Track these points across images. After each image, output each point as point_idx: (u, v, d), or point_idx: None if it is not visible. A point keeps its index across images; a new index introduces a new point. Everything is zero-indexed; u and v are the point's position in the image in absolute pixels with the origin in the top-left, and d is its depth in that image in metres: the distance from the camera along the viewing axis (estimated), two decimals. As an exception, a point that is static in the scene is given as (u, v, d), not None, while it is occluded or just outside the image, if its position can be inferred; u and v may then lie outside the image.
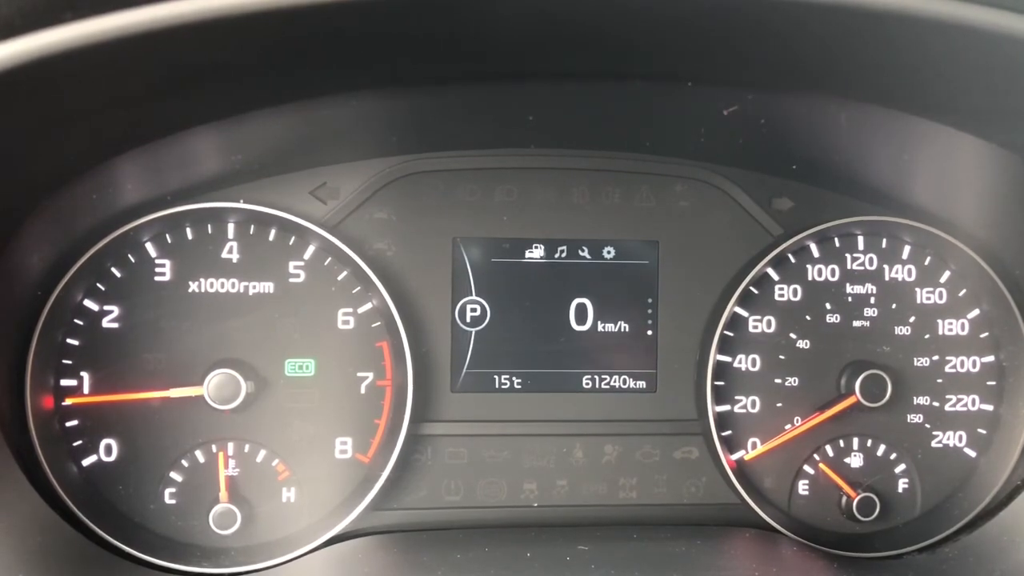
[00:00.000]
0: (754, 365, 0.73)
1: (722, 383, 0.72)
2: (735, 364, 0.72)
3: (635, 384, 0.73)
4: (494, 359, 0.72)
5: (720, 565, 0.65)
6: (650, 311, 0.73)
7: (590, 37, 0.55)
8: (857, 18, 0.44)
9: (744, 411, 0.73)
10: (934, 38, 0.47)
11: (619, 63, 0.58)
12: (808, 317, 0.73)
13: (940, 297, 0.74)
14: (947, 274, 0.74)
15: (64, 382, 0.66)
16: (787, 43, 0.53)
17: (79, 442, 0.66)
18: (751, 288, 0.72)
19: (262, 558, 0.66)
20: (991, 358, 0.74)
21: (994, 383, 0.74)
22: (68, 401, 0.66)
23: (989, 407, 0.74)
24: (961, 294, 0.74)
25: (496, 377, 0.72)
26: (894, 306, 0.74)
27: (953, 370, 0.74)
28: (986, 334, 0.74)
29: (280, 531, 0.67)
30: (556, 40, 0.54)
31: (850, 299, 0.73)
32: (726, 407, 0.72)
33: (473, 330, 0.72)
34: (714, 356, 0.72)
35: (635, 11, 0.50)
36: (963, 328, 0.74)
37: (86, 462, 0.66)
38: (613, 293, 0.73)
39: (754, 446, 0.73)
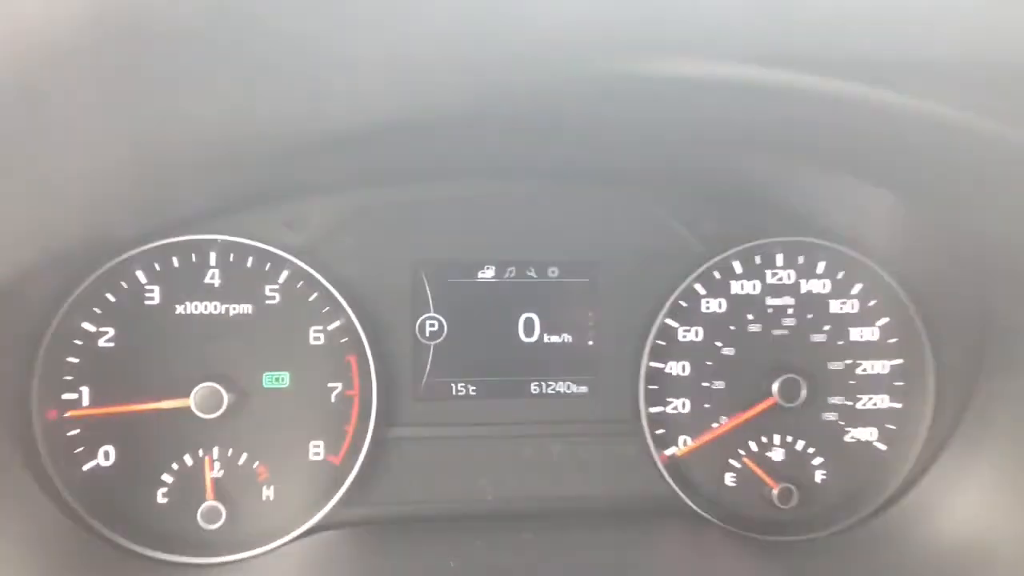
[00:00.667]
0: (684, 371, 0.80)
1: (655, 387, 0.79)
2: (666, 370, 0.80)
3: (577, 389, 0.80)
4: (451, 369, 0.79)
5: (652, 549, 0.73)
6: (590, 324, 0.80)
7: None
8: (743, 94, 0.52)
9: (676, 412, 0.80)
10: (803, 110, 0.54)
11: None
12: (732, 327, 0.80)
13: (852, 307, 0.81)
14: (858, 287, 0.81)
15: (65, 396, 0.73)
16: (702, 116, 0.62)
17: (80, 449, 0.73)
18: (680, 302, 0.79)
19: (245, 548, 0.73)
20: (898, 361, 0.81)
21: (901, 383, 0.81)
22: (69, 413, 0.73)
23: (897, 405, 0.81)
24: (870, 304, 0.81)
25: (453, 385, 0.79)
26: (810, 316, 0.81)
27: (864, 372, 0.81)
28: (893, 340, 0.81)
29: (260, 525, 0.74)
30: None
31: (770, 310, 0.80)
32: (659, 408, 0.79)
33: (432, 344, 0.79)
34: (646, 363, 0.79)
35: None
36: (873, 335, 0.81)
37: (87, 467, 0.73)
38: (557, 308, 0.80)
39: (685, 443, 0.80)
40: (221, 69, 0.37)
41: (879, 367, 0.83)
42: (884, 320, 0.82)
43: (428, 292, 0.79)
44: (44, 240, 0.41)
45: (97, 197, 0.42)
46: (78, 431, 0.75)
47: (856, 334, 0.82)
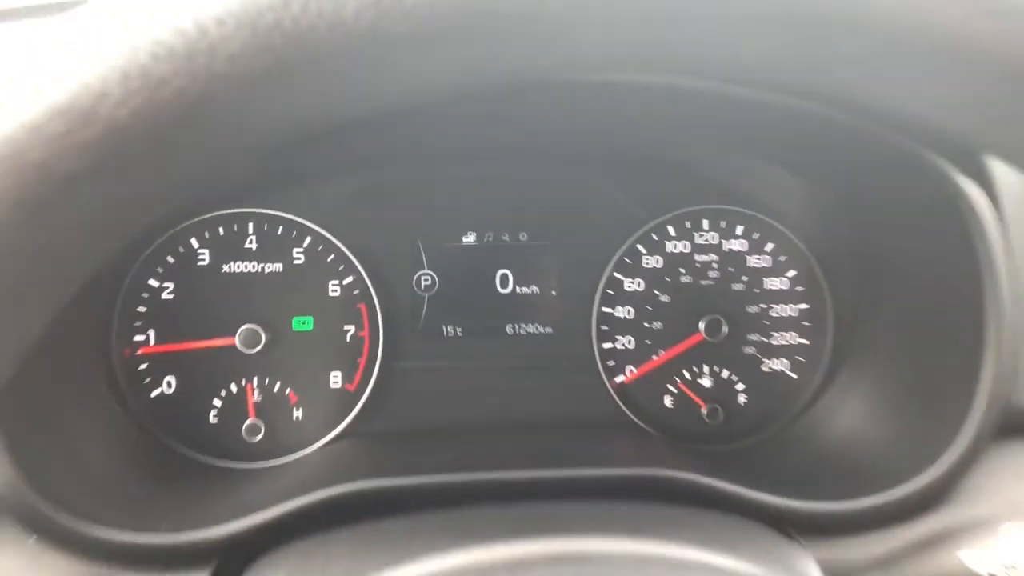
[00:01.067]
0: (629, 314, 0.95)
1: (606, 327, 0.95)
2: (615, 314, 0.96)
3: (543, 330, 0.96)
4: (442, 315, 0.95)
5: (603, 452, 0.90)
6: (553, 277, 0.96)
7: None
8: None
9: (622, 347, 0.96)
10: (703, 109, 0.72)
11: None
12: (667, 279, 0.95)
13: (766, 262, 0.96)
14: (770, 246, 0.96)
15: (136, 337, 0.88)
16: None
17: (148, 380, 0.88)
18: (625, 259, 0.95)
19: (279, 456, 0.91)
20: (804, 305, 0.96)
21: (806, 323, 0.96)
22: (140, 351, 0.89)
23: (804, 341, 0.96)
24: (781, 259, 0.96)
25: (444, 328, 0.95)
26: (731, 269, 0.96)
27: (776, 315, 0.96)
28: (799, 288, 0.96)
29: (292, 438, 0.90)
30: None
31: (698, 265, 0.96)
32: (609, 344, 0.95)
33: (426, 295, 0.95)
34: (598, 308, 0.95)
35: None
36: (783, 284, 0.96)
37: (153, 394, 0.88)
38: (527, 265, 0.96)
39: (630, 372, 0.95)
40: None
41: (788, 310, 0.97)
42: (792, 272, 0.97)
43: (423, 254, 0.95)
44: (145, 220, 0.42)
45: (187, 180, 0.43)
46: (146, 365, 0.89)
47: (769, 283, 0.97)
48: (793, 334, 0.98)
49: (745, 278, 0.97)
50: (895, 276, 0.87)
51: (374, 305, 0.93)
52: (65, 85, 0.35)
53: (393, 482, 0.72)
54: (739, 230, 0.98)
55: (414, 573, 0.53)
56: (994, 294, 0.73)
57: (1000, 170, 0.72)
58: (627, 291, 0.97)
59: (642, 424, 0.95)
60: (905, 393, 0.84)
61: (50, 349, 0.76)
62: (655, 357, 0.97)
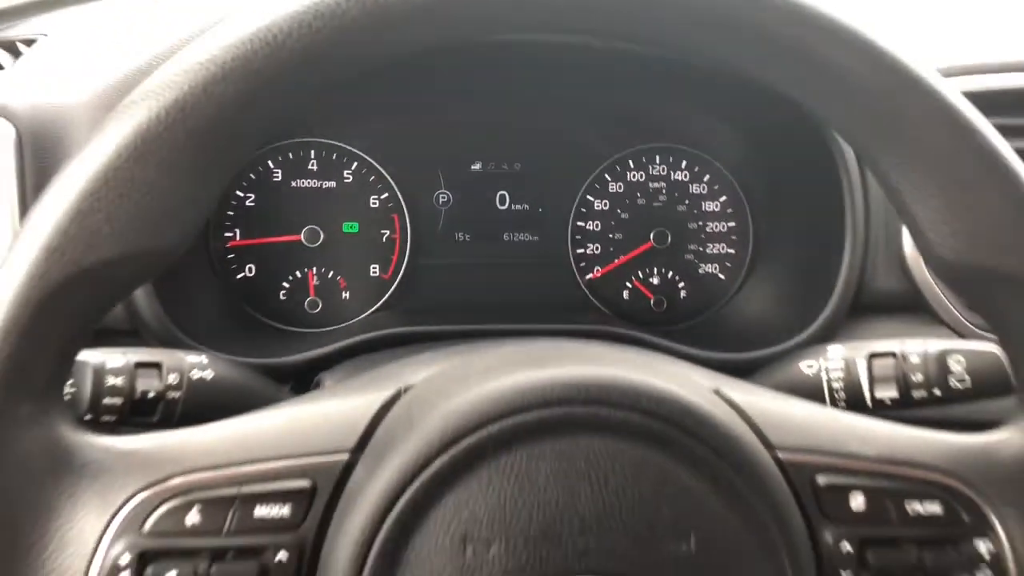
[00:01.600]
0: (597, 227, 1.20)
1: (579, 237, 1.20)
2: (586, 226, 1.20)
3: (532, 238, 1.20)
4: (455, 224, 1.20)
5: (574, 320, 1.17)
6: (540, 197, 1.21)
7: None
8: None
9: (592, 252, 1.20)
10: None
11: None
12: (627, 200, 1.20)
13: (703, 190, 1.21)
14: (707, 177, 1.20)
15: (227, 234, 1.14)
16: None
17: (235, 266, 1.15)
18: (595, 184, 1.20)
19: (332, 324, 1.21)
20: (732, 223, 1.22)
21: (735, 238, 1.23)
22: (229, 244, 1.16)
23: (731, 251, 1.22)
24: (715, 187, 1.20)
25: (456, 234, 1.19)
26: (676, 195, 1.20)
27: (710, 230, 1.21)
28: (729, 210, 1.21)
29: (342, 311, 1.15)
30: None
31: (651, 190, 1.20)
32: (581, 250, 1.21)
33: (443, 209, 1.20)
34: (573, 222, 1.20)
35: None
36: (717, 207, 1.22)
37: (239, 276, 1.15)
38: (520, 188, 1.19)
39: (597, 271, 1.21)
40: None
41: (720, 227, 1.22)
42: (723, 197, 1.22)
43: (441, 177, 1.19)
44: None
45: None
46: (234, 255, 1.15)
47: (705, 206, 1.22)
48: (723, 245, 1.23)
49: (687, 201, 1.21)
50: (792, 200, 1.17)
51: (404, 215, 1.16)
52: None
53: (417, 328, 1.02)
54: (683, 164, 1.21)
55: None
56: (851, 210, 1.03)
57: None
58: (596, 209, 1.20)
59: (605, 310, 1.25)
60: (795, 284, 1.15)
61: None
62: (616, 260, 1.22)
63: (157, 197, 0.49)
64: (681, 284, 1.24)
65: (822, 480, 0.61)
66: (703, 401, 0.60)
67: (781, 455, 0.61)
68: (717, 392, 0.64)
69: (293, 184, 1.15)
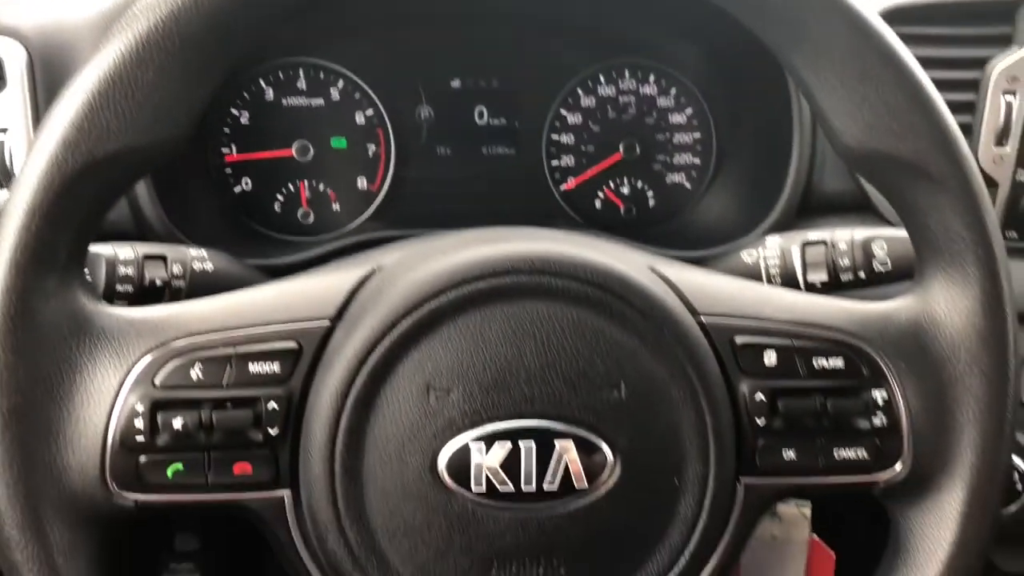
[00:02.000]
0: (570, 140, 1.26)
1: (553, 149, 1.27)
2: (560, 139, 1.27)
3: (509, 151, 1.27)
4: (437, 138, 1.26)
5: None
6: (516, 113, 1.27)
7: None
8: None
9: (565, 164, 1.27)
10: None
11: None
12: (598, 114, 1.25)
13: (671, 103, 1.27)
14: (674, 90, 1.26)
15: (223, 149, 1.21)
16: None
17: (232, 180, 1.21)
18: (567, 98, 1.26)
19: (324, 232, 1.31)
20: (697, 134, 1.30)
21: (700, 148, 1.30)
22: (225, 159, 1.22)
23: (697, 161, 1.29)
24: (682, 100, 1.27)
25: (438, 148, 1.25)
26: (645, 107, 1.26)
27: (678, 141, 1.28)
28: (695, 122, 1.28)
29: (334, 221, 1.22)
30: None
31: (621, 104, 1.26)
32: (556, 162, 1.27)
33: (425, 124, 1.25)
34: (547, 135, 1.27)
35: None
36: (683, 119, 1.28)
37: (236, 190, 1.22)
38: (497, 104, 1.25)
39: (571, 181, 1.28)
40: None
41: (686, 138, 1.29)
42: (689, 110, 1.29)
43: (423, 94, 1.25)
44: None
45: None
46: (230, 170, 1.22)
47: (672, 118, 1.28)
48: (688, 155, 1.30)
49: (655, 114, 1.29)
50: (750, 111, 1.25)
51: (388, 130, 1.21)
52: None
53: (402, 232, 1.12)
54: (651, 78, 1.27)
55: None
56: (799, 118, 1.12)
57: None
58: (569, 123, 1.25)
59: (577, 219, 1.34)
60: (752, 189, 1.23)
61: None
62: (588, 171, 1.31)
63: (157, 96, 0.58)
64: (650, 193, 1.32)
65: (740, 340, 0.71)
66: (635, 272, 0.69)
67: (704, 319, 0.70)
68: (651, 267, 0.73)
69: (283, 102, 1.20)
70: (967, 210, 0.68)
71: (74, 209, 0.62)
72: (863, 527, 1.16)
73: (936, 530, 0.71)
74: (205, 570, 1.48)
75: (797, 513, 0.95)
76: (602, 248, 0.74)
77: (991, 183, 1.10)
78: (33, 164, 0.61)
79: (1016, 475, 1.07)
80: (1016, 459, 1.07)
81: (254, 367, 0.67)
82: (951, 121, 0.69)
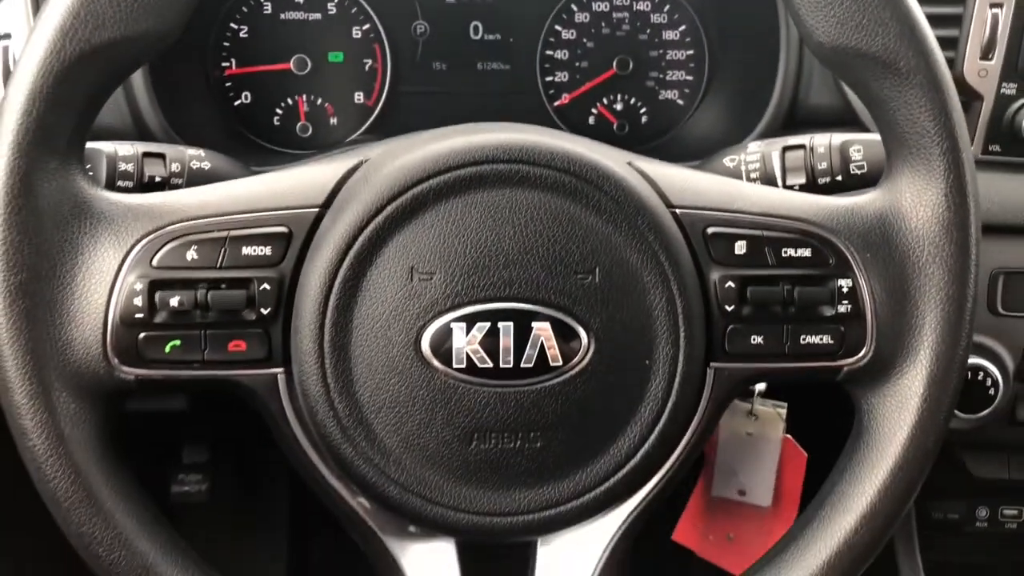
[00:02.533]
0: (564, 56, 1.27)
1: (548, 65, 1.28)
2: (555, 55, 1.28)
3: (504, 67, 1.28)
4: (432, 54, 1.27)
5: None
6: (511, 28, 1.28)
7: None
8: None
9: (560, 80, 1.28)
10: None
11: None
12: (592, 30, 1.26)
13: (664, 19, 1.28)
14: (668, 7, 1.28)
15: (223, 63, 1.25)
16: None
17: (232, 93, 1.24)
18: (562, 14, 1.27)
19: (322, 146, 1.34)
20: (691, 51, 1.33)
21: (692, 65, 1.34)
22: (226, 72, 1.25)
23: (689, 77, 1.32)
24: (675, 17, 1.28)
25: (433, 63, 1.28)
26: (638, 24, 1.27)
27: (670, 58, 1.30)
28: (688, 39, 1.30)
29: (330, 136, 1.25)
30: None
31: (615, 20, 1.27)
32: (550, 78, 1.29)
33: (421, 39, 1.27)
34: (541, 51, 1.28)
35: None
36: (676, 36, 1.29)
37: (236, 103, 1.25)
38: (492, 20, 1.27)
39: (565, 97, 1.29)
40: None
41: (679, 55, 1.31)
42: (682, 27, 1.30)
43: (418, 8, 1.26)
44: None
45: None
46: (230, 83, 1.24)
47: (665, 35, 1.30)
48: (681, 72, 1.32)
49: (648, 30, 1.30)
50: (741, 27, 1.27)
51: (384, 45, 1.22)
52: None
53: None
54: None
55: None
56: (787, 32, 1.13)
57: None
58: (563, 39, 1.26)
59: (568, 132, 1.36)
60: (741, 103, 1.26)
61: (173, 65, 1.18)
62: (582, 87, 1.32)
63: None
64: (643, 110, 1.34)
65: (711, 230, 0.74)
66: (613, 163, 0.72)
67: (678, 211, 0.74)
68: (629, 162, 0.76)
69: (282, 16, 1.21)
70: (934, 104, 0.70)
71: (73, 95, 0.66)
72: (837, 435, 1.20)
73: (896, 413, 0.75)
74: (214, 481, 1.54)
75: (772, 412, 0.99)
76: (582, 142, 0.77)
77: (976, 96, 1.12)
78: (32, 51, 0.65)
79: (989, 381, 1.10)
80: (989, 365, 1.10)
81: (247, 250, 0.71)
82: (920, 16, 0.71)
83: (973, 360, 1.10)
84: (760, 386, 1.03)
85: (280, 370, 0.67)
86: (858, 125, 1.17)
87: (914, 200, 0.69)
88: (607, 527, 0.71)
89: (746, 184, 0.78)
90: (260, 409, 0.68)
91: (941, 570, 1.39)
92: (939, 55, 0.66)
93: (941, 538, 1.40)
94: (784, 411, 1.01)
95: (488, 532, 0.67)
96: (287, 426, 0.73)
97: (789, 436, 1.00)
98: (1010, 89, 1.12)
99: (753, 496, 0.98)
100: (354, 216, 0.70)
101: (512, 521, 0.71)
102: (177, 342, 0.69)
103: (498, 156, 0.71)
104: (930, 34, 0.66)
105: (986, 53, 1.12)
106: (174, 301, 0.65)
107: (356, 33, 1.30)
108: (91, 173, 0.87)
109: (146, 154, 0.89)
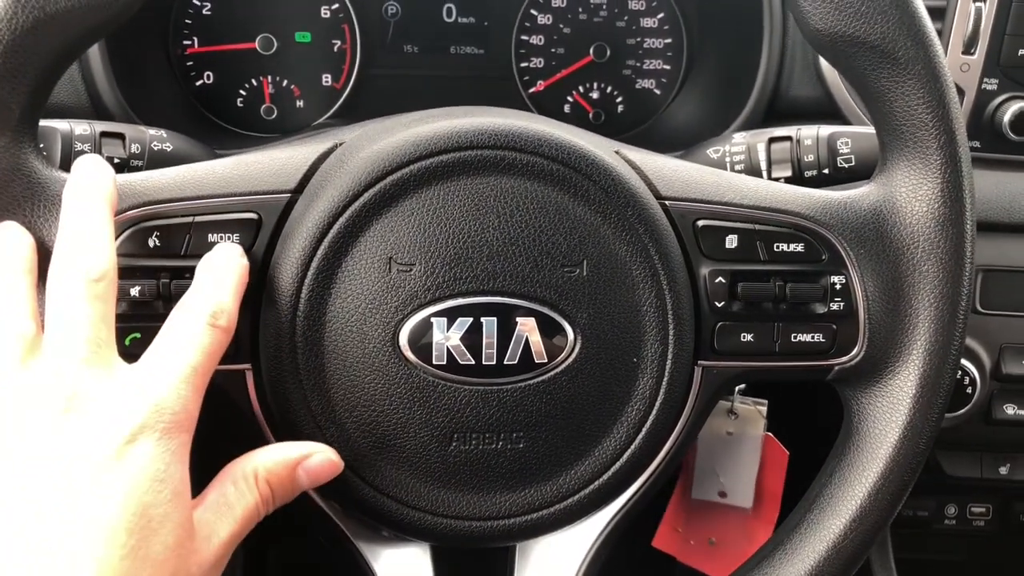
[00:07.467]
0: (540, 41, 1.24)
1: (523, 51, 1.25)
2: (530, 40, 1.25)
3: (478, 51, 1.25)
4: (403, 36, 1.24)
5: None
6: (486, 11, 1.25)
7: None
8: None
9: (535, 67, 1.25)
10: None
11: None
12: (569, 16, 1.23)
13: (642, 6, 1.26)
14: None
15: (185, 42, 1.19)
16: None
17: (194, 73, 1.19)
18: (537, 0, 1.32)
19: (287, 130, 1.29)
20: (668, 40, 1.32)
21: (670, 54, 1.33)
22: (188, 51, 1.19)
23: (667, 66, 1.30)
24: (653, 4, 1.29)
25: (404, 46, 1.24)
26: (616, 11, 1.25)
27: (648, 46, 1.27)
28: (666, 27, 1.29)
29: (296, 119, 1.21)
30: None
31: (592, 5, 1.25)
32: (525, 64, 1.26)
33: (392, 20, 1.23)
34: (516, 35, 1.25)
35: None
36: (654, 24, 1.27)
37: (198, 83, 1.20)
38: (466, 2, 1.23)
39: (540, 84, 1.26)
40: None
41: (657, 43, 1.28)
42: (661, 15, 1.27)
43: None
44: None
45: None
46: (192, 63, 1.20)
47: (643, 22, 1.27)
48: (659, 61, 1.30)
49: (626, 17, 1.27)
50: (721, 16, 1.24)
51: (354, 25, 1.18)
52: None
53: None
54: None
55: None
56: (770, 23, 1.11)
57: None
58: (539, 23, 1.26)
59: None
60: (721, 94, 1.23)
61: (133, 43, 1.13)
62: (558, 74, 1.29)
63: None
64: (619, 98, 1.31)
65: (702, 223, 0.71)
66: (601, 152, 0.69)
67: (668, 203, 0.71)
68: (616, 151, 0.73)
69: None
70: (932, 96, 0.68)
71: (25, 66, 0.61)
72: (819, 431, 1.18)
73: (887, 414, 0.73)
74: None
75: (753, 410, 0.96)
76: (569, 129, 0.74)
77: (957, 91, 1.09)
78: (-17, 19, 0.59)
79: (967, 379, 1.09)
80: (967, 363, 1.09)
81: (213, 237, 0.66)
82: (920, 5, 0.68)
83: (953, 359, 1.09)
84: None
85: (247, 366, 0.63)
86: (839, 118, 1.15)
87: (909, 194, 0.67)
88: (588, 532, 0.68)
89: (737, 176, 0.75)
90: (225, 407, 0.64)
91: (910, 568, 1.38)
92: (938, 46, 0.64)
93: (909, 536, 1.39)
94: (765, 408, 0.99)
95: (466, 537, 0.64)
96: (255, 425, 0.68)
97: (770, 434, 0.98)
98: (992, 84, 1.11)
99: (735, 497, 0.95)
100: (329, 202, 0.66)
101: (492, 526, 0.68)
102: (137, 335, 0.65)
103: (483, 141, 0.67)
104: (930, 24, 0.63)
105: (968, 47, 1.10)
106: (134, 291, 0.60)
107: (325, 13, 1.26)
108: (45, 153, 0.82)
109: (104, 134, 0.84)
